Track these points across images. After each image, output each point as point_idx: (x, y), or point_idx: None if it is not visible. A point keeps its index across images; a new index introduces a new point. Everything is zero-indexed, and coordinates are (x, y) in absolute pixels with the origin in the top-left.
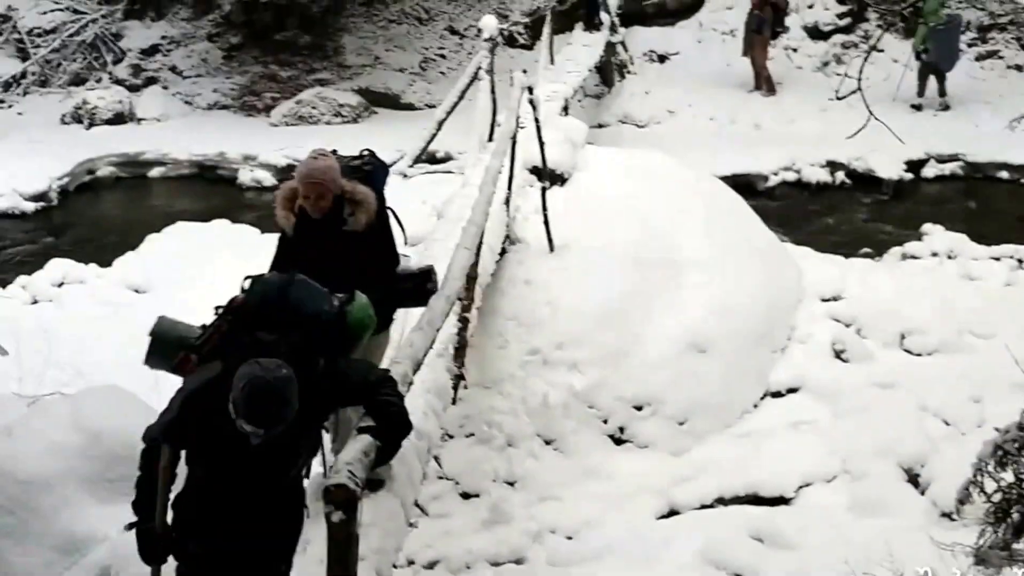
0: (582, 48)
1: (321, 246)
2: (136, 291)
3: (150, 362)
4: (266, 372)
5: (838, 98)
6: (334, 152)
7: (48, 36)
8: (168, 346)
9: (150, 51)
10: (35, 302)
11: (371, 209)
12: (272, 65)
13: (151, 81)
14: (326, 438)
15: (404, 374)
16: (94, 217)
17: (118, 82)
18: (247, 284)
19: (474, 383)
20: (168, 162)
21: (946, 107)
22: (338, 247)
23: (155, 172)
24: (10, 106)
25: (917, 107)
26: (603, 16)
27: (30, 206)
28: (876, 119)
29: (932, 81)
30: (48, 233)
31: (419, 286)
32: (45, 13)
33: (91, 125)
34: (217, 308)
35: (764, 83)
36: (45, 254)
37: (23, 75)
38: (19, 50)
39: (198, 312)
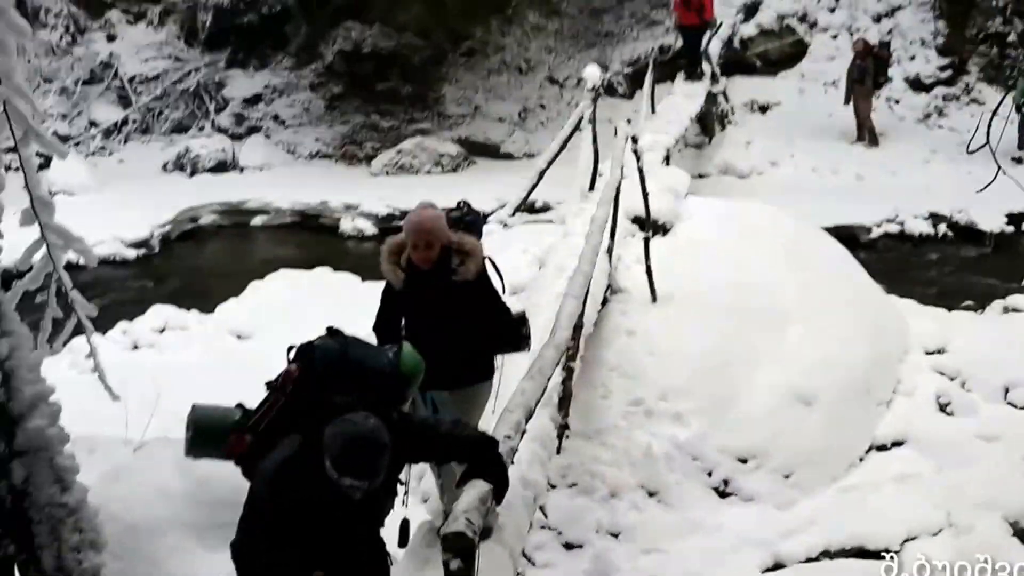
0: (683, 98)
1: (431, 297)
2: (239, 337)
3: (193, 452)
4: (360, 425)
5: (968, 152)
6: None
7: (150, 84)
8: (213, 432)
9: (252, 100)
10: (136, 348)
11: (479, 258)
12: (373, 115)
13: (253, 130)
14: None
15: (517, 422)
16: (195, 265)
17: (220, 131)
18: (291, 354)
19: (577, 433)
20: (270, 210)
21: None
22: (448, 298)
23: (257, 220)
24: (111, 153)
25: (1018, 160)
26: (704, 66)
27: (131, 253)
28: (1005, 172)
29: None
30: (149, 280)
31: (515, 332)
32: (147, 61)
33: (193, 173)
34: (269, 383)
35: (867, 134)
36: (146, 301)
37: (125, 122)
38: (121, 98)
39: None
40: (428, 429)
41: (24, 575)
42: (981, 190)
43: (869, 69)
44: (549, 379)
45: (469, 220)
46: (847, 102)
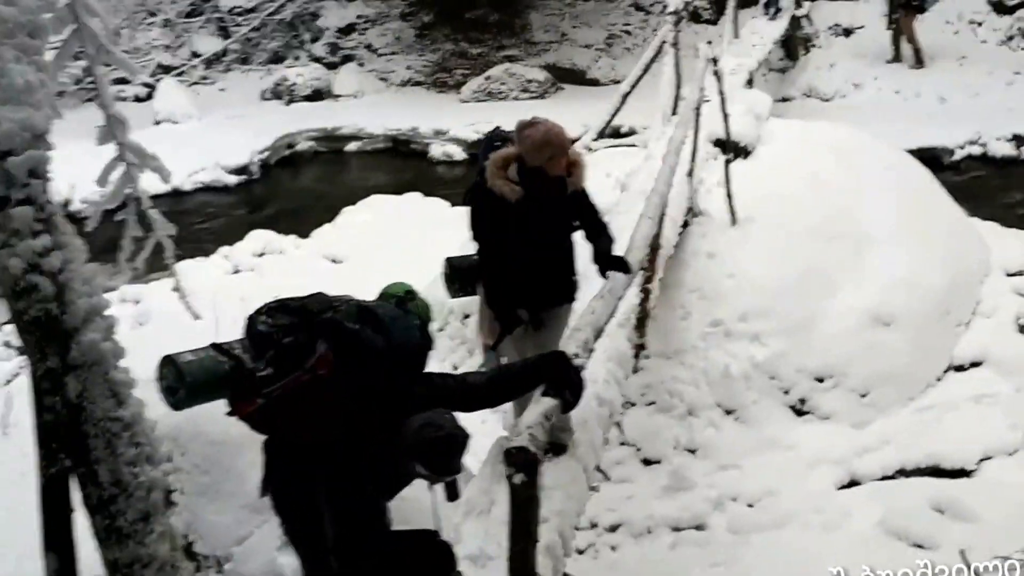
0: (767, 22)
1: (550, 207)
2: (333, 261)
3: (179, 406)
4: (445, 427)
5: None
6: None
7: (248, 15)
8: (204, 386)
9: (346, 30)
10: (236, 271)
11: (585, 166)
12: (462, 43)
13: (347, 59)
14: None
15: (585, 340)
16: (293, 190)
17: (315, 60)
18: (292, 329)
19: (656, 353)
20: (363, 137)
21: None
22: (564, 206)
23: (351, 146)
24: (213, 83)
25: None
26: (783, 5)
27: (232, 179)
28: None
29: None
30: (249, 205)
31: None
32: None
33: (290, 101)
34: (284, 353)
35: (914, 55)
36: (247, 225)
37: (224, 53)
38: (220, 29)
39: (390, 280)
40: (465, 388)
41: (82, 489)
42: None
43: None
44: (620, 299)
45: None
46: (889, 27)
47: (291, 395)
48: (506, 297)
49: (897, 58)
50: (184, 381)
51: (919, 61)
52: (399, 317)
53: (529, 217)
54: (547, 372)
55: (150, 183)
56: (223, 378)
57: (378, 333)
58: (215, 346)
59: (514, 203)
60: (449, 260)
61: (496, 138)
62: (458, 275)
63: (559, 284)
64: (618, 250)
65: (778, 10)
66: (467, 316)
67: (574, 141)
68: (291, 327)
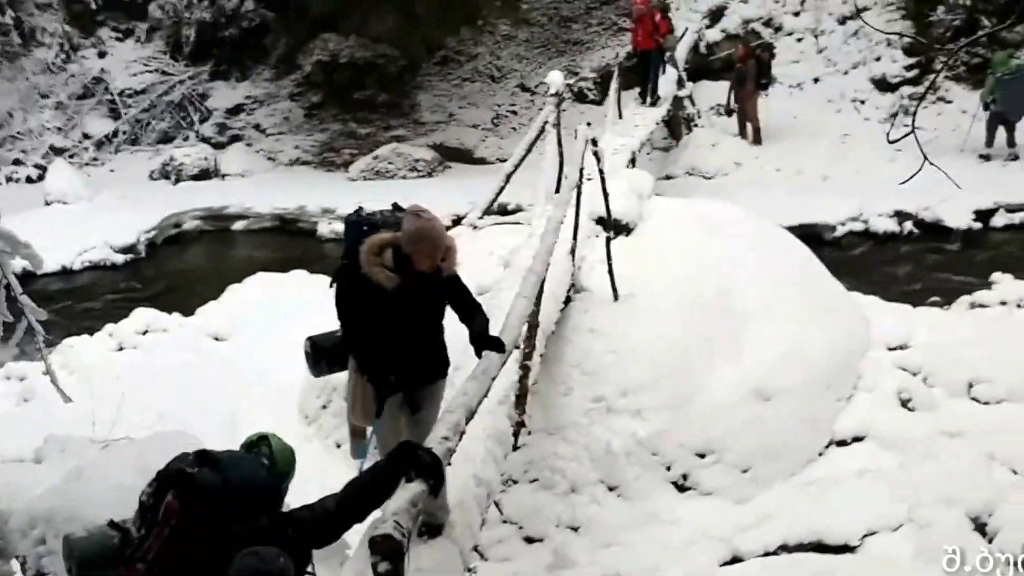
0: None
1: (421, 296)
2: (216, 338)
3: None
4: (268, 563)
5: (889, 141)
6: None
7: (138, 97)
8: (96, 561)
9: (235, 110)
10: (120, 349)
11: (457, 251)
12: (351, 122)
13: (235, 139)
14: None
15: (457, 422)
16: (179, 268)
17: (204, 140)
18: (150, 489)
19: (539, 429)
20: (251, 215)
21: (1015, 157)
22: (435, 294)
23: (238, 225)
24: (103, 164)
25: (986, 157)
26: (661, 92)
27: (120, 258)
28: (931, 163)
29: (1001, 131)
30: (136, 283)
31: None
32: (135, 75)
33: (178, 181)
34: (147, 513)
35: (753, 132)
36: (132, 303)
37: (115, 134)
38: (111, 110)
39: (274, 357)
40: (321, 517)
41: None
42: (904, 182)
43: (750, 72)
44: (494, 379)
45: None
46: (730, 105)
47: (162, 551)
48: (379, 367)
49: (742, 134)
50: (74, 559)
51: (757, 139)
52: (241, 458)
53: (402, 304)
54: (401, 468)
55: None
56: (114, 553)
57: (214, 472)
58: (111, 523)
59: (388, 290)
60: (310, 339)
61: (363, 222)
62: (322, 353)
63: (430, 364)
64: (494, 329)
65: (657, 98)
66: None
67: (457, 221)
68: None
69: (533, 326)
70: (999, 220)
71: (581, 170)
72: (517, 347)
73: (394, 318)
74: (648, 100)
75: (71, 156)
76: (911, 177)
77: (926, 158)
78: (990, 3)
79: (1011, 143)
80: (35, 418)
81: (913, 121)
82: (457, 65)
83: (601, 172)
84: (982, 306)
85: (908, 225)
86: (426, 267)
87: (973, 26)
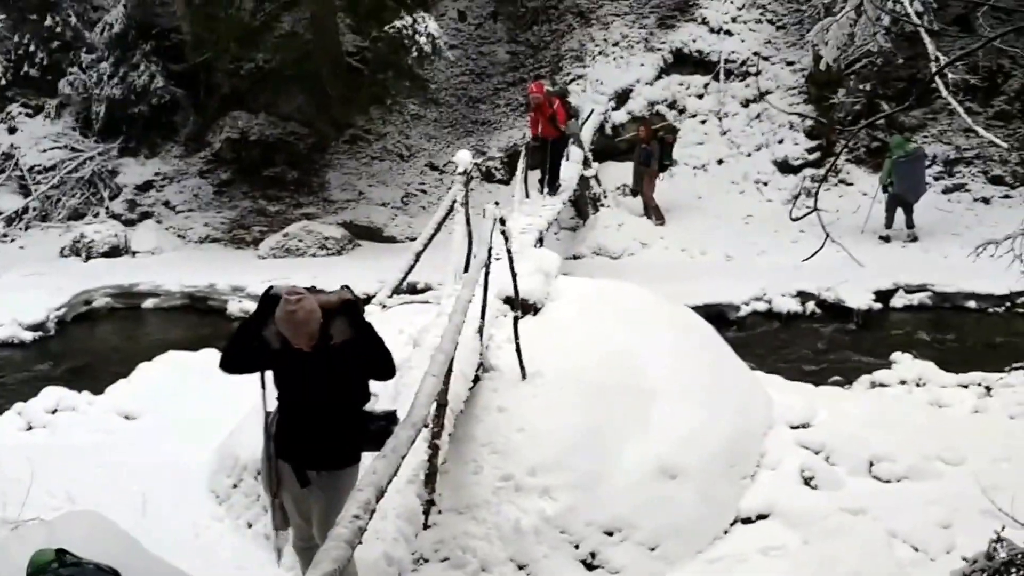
0: (547, 196)
1: (311, 367)
2: (127, 418)
3: None
4: None
5: (793, 219)
6: (312, 288)
7: (48, 173)
8: None
9: (144, 187)
10: (29, 428)
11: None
12: (260, 199)
13: (145, 216)
14: None
15: (367, 501)
16: (89, 346)
17: (114, 216)
18: None
19: (449, 508)
20: (161, 293)
21: (914, 238)
22: (328, 363)
23: (148, 303)
24: (12, 240)
25: (885, 239)
26: (563, 179)
27: (28, 335)
28: (834, 240)
29: (900, 213)
30: (45, 362)
31: (384, 429)
32: (45, 151)
33: (88, 258)
34: None
35: (652, 212)
36: (42, 381)
37: (25, 210)
38: (21, 187)
39: (184, 437)
40: None
41: None
42: (807, 259)
43: (654, 152)
44: (403, 457)
45: (355, 303)
46: (635, 186)
47: None
48: (276, 445)
49: (647, 215)
50: None
51: (659, 219)
52: None
53: (289, 372)
54: None
55: None
56: None
57: None
58: None
59: (279, 355)
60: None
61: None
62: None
63: (327, 446)
64: (402, 409)
65: (558, 187)
66: (259, 472)
67: (367, 300)
68: None
69: (442, 405)
70: (898, 301)
71: (489, 250)
72: (426, 426)
73: (285, 391)
74: (547, 190)
75: None
76: (814, 253)
77: (828, 236)
78: (889, 88)
79: (909, 224)
80: None
81: (816, 201)
82: (366, 144)
83: (509, 252)
84: (882, 385)
85: (810, 305)
86: (304, 346)
87: (873, 110)
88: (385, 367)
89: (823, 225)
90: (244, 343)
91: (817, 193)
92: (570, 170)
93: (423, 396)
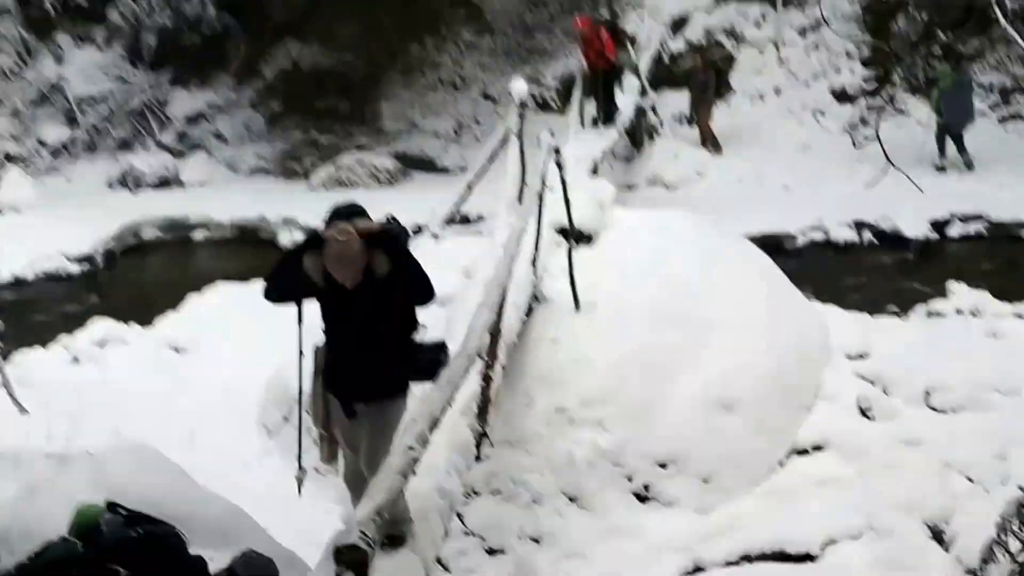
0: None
1: (354, 298)
2: (176, 350)
3: None
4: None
5: (854, 145)
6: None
7: (97, 104)
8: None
9: (195, 118)
10: (76, 361)
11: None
12: (312, 131)
13: (196, 147)
14: None
15: (421, 432)
16: (138, 279)
17: (164, 148)
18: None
19: (501, 441)
20: (211, 225)
21: (970, 166)
22: (371, 295)
23: (198, 235)
24: (59, 172)
25: (940, 168)
26: (617, 110)
27: (76, 268)
28: (896, 167)
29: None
30: (93, 294)
31: (433, 359)
32: (94, 81)
33: (137, 189)
34: None
35: (709, 142)
36: (89, 315)
37: (72, 141)
38: (69, 118)
39: (234, 370)
40: None
41: None
42: (870, 187)
43: (711, 82)
44: (457, 388)
45: (394, 234)
46: (692, 114)
47: None
48: (324, 379)
49: (704, 144)
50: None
51: (715, 147)
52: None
53: (335, 304)
54: None
55: None
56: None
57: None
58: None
59: (322, 289)
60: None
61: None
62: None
63: (375, 377)
64: (455, 341)
65: (611, 119)
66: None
67: (419, 231)
68: None
69: (495, 336)
70: (954, 230)
71: (543, 179)
72: (480, 357)
73: (331, 323)
74: (601, 121)
75: (26, 164)
76: (877, 181)
77: (890, 162)
78: (946, 16)
79: (962, 152)
80: None
81: (877, 130)
82: (420, 74)
83: (563, 182)
84: (938, 315)
85: (867, 234)
86: (349, 284)
87: (929, 39)
88: (424, 292)
89: (885, 152)
90: (286, 274)
91: (878, 122)
92: (626, 100)
93: (477, 327)
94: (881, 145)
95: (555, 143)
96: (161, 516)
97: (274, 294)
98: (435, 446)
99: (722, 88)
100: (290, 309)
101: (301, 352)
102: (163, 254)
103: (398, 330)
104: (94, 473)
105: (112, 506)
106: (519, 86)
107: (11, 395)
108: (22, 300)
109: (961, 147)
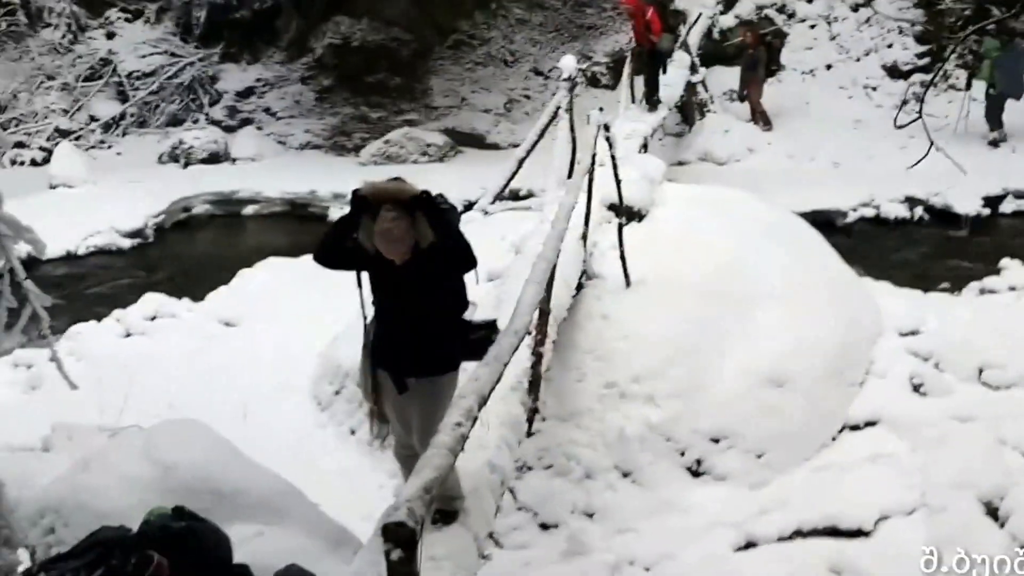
0: (663, 87)
1: (401, 271)
2: (227, 324)
3: None
4: None
5: (897, 126)
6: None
7: (147, 79)
8: None
9: (245, 93)
10: (128, 335)
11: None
12: (362, 106)
13: (246, 122)
14: None
15: (468, 408)
16: (188, 253)
17: (214, 123)
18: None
19: (552, 416)
20: (261, 200)
21: (1004, 138)
22: (418, 268)
23: (248, 210)
24: (110, 147)
25: (994, 143)
26: (662, 95)
27: (126, 243)
28: (939, 149)
29: (1008, 114)
30: (143, 269)
31: (483, 339)
32: (144, 56)
33: (187, 164)
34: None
35: (760, 118)
36: (140, 289)
37: (122, 116)
38: (119, 93)
39: (286, 344)
40: None
41: None
42: (912, 166)
43: (761, 58)
44: (506, 364)
45: (444, 208)
46: (742, 90)
47: None
48: (373, 354)
49: (754, 120)
50: None
51: (766, 123)
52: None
53: (383, 276)
54: None
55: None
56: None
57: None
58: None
59: (373, 260)
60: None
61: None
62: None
63: (425, 353)
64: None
65: (656, 102)
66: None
67: (469, 207)
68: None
69: (545, 312)
70: (1007, 206)
71: (593, 156)
72: (529, 333)
73: (379, 296)
74: (646, 104)
75: (77, 139)
76: (920, 160)
77: (932, 144)
78: None
79: (1000, 124)
80: (42, 406)
81: (921, 107)
82: (470, 49)
83: (613, 159)
84: (991, 292)
85: (919, 211)
86: (398, 260)
87: (983, 15)
88: (465, 259)
89: (928, 132)
90: (339, 240)
91: (923, 99)
92: (675, 76)
93: (525, 304)
94: (924, 126)
95: (605, 120)
96: (211, 490)
97: (326, 259)
98: (485, 422)
99: (772, 64)
100: (340, 284)
101: (365, 316)
102: (213, 229)
103: (448, 306)
104: (145, 448)
105: (178, 510)
106: (569, 62)
107: (61, 371)
108: (74, 274)
109: (1001, 116)
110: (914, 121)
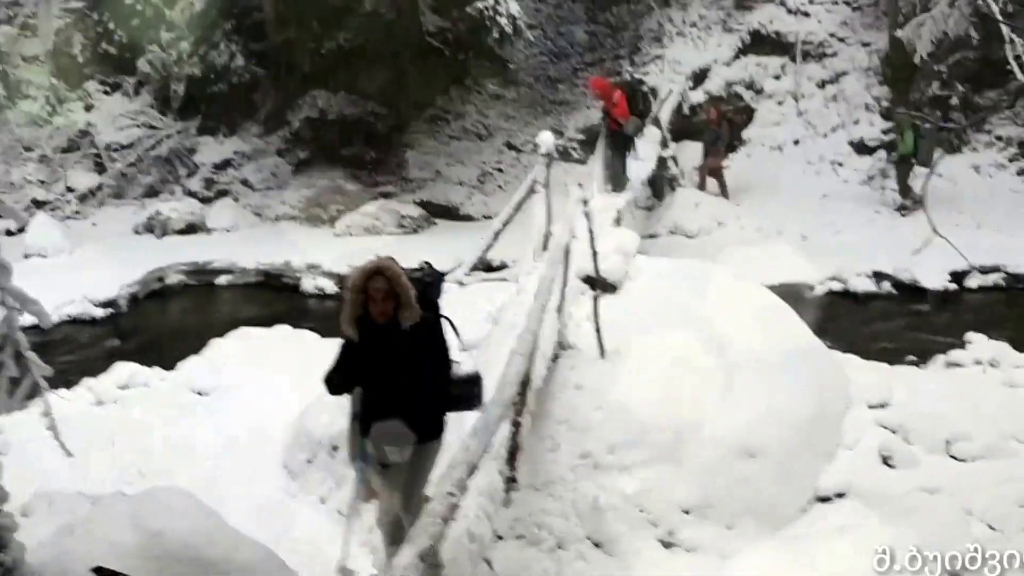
0: (634, 164)
1: (385, 347)
2: (199, 393)
3: None
4: None
5: (900, 213)
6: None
7: (125, 151)
8: None
9: (222, 165)
10: (100, 404)
11: (413, 302)
12: (338, 179)
13: (222, 193)
14: None
15: (460, 479)
16: (161, 323)
17: (191, 194)
18: None
19: (525, 485)
20: (235, 270)
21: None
22: (399, 346)
23: (222, 280)
24: (86, 217)
25: (903, 208)
26: (630, 175)
27: (100, 312)
28: (940, 235)
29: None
30: (116, 338)
31: (468, 391)
32: (122, 129)
33: (163, 235)
34: None
35: (720, 189)
36: (112, 358)
37: (99, 188)
38: (96, 164)
39: (257, 412)
40: None
41: None
42: (918, 251)
43: (723, 135)
44: (494, 435)
45: (428, 280)
46: (703, 163)
47: None
48: (361, 423)
49: (702, 187)
50: None
51: (725, 195)
52: None
53: (369, 356)
54: None
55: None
56: None
57: None
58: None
59: (357, 342)
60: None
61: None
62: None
63: (414, 420)
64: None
65: (620, 184)
66: (335, 448)
67: (442, 276)
68: None
69: (524, 383)
70: (972, 281)
71: (571, 229)
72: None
73: (366, 373)
74: (610, 188)
75: (53, 209)
76: (924, 245)
77: (934, 229)
78: (965, 69)
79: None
80: (11, 472)
81: (924, 196)
82: (445, 123)
83: (591, 233)
84: (957, 365)
85: (886, 285)
86: (379, 318)
87: (949, 91)
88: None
89: (929, 218)
90: (343, 369)
91: (926, 186)
92: (646, 151)
93: (511, 374)
94: (926, 212)
95: (584, 195)
96: (196, 559)
97: (339, 390)
98: (467, 491)
99: (735, 140)
100: (312, 354)
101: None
102: (187, 299)
103: (431, 374)
104: (131, 515)
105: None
106: (546, 138)
107: (58, 439)
108: (46, 343)
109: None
110: (917, 206)
